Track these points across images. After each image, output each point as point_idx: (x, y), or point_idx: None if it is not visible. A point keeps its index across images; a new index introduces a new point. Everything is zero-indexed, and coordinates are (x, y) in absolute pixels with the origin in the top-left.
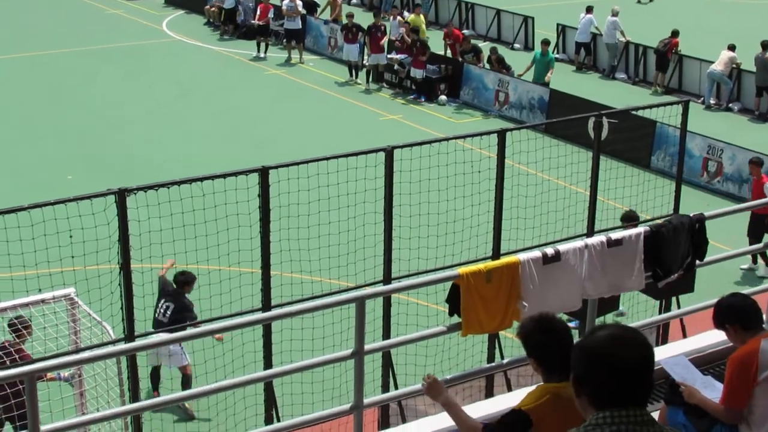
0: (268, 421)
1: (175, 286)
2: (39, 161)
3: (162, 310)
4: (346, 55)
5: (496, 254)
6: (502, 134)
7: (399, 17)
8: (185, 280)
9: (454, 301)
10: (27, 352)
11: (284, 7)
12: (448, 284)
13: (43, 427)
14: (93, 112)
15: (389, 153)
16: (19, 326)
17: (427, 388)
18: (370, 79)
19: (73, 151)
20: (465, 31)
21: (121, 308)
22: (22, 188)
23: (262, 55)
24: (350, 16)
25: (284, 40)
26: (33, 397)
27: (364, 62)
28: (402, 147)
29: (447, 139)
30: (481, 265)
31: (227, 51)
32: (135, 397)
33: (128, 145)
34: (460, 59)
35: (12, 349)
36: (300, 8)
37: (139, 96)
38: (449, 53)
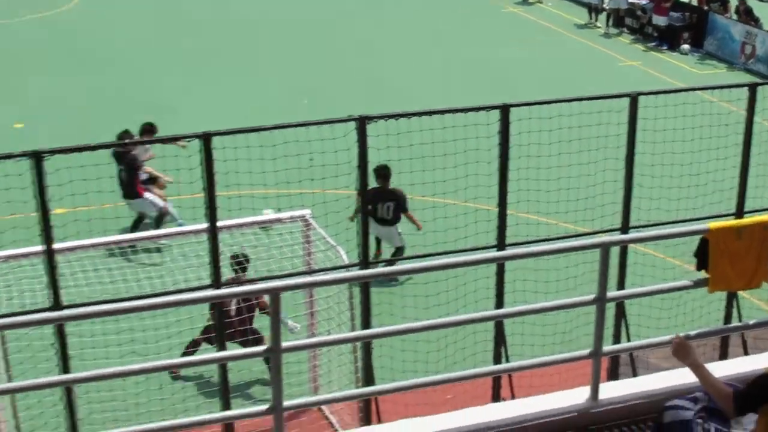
0: (497, 359)
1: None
2: (279, 84)
3: (385, 210)
4: None
5: (740, 212)
6: (753, 88)
7: None
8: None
9: (702, 256)
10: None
11: None
12: (688, 239)
13: (284, 343)
14: (343, 38)
15: (634, 99)
16: (244, 262)
17: (675, 348)
18: (610, 23)
19: (314, 75)
20: None
21: (357, 233)
22: (265, 110)
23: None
24: None
25: None
26: (277, 313)
27: (605, 5)
28: (647, 94)
29: (693, 89)
30: (732, 222)
31: None
32: (366, 323)
33: (372, 70)
34: (706, 8)
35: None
36: None
37: (389, 29)
38: (694, 1)
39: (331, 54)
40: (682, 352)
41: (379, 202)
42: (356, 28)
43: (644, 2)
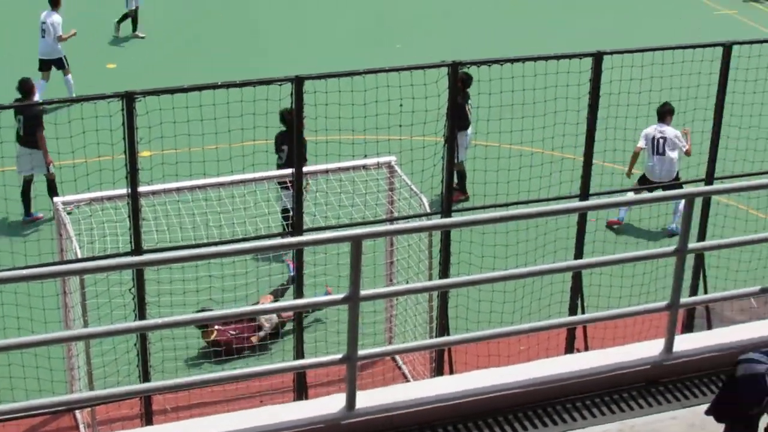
0: (572, 311)
1: None
2: (373, 27)
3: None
4: None
5: None
6: None
7: None
8: None
9: None
10: None
11: None
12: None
13: (362, 292)
14: None
15: (727, 49)
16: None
17: None
18: None
19: (409, 20)
20: None
21: (441, 182)
22: (356, 54)
23: None
24: None
25: None
26: (358, 261)
27: None
28: (741, 44)
29: None
30: None
31: None
32: (445, 273)
33: (462, 18)
34: None
35: None
36: None
37: None
38: None
39: None
40: None
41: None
42: None
43: None
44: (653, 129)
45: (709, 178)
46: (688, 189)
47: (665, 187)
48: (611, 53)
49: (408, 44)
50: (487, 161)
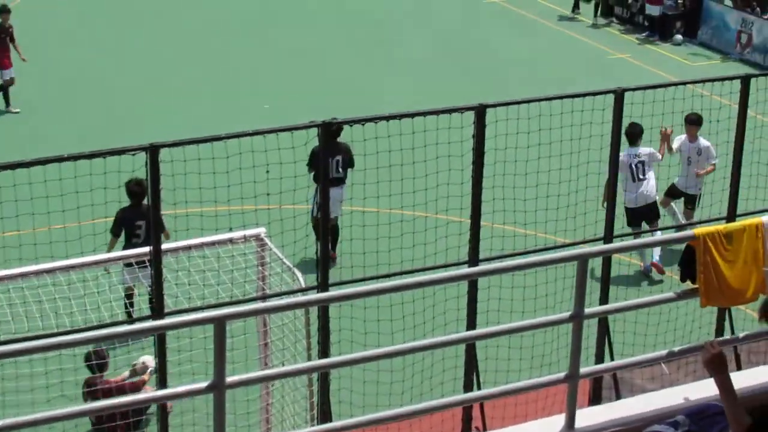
0: (468, 387)
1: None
2: (235, 87)
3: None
4: None
5: (732, 215)
6: (745, 80)
7: None
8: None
9: (688, 266)
10: (116, 382)
11: None
12: (679, 247)
13: (228, 378)
14: (291, 39)
15: (619, 96)
16: (95, 362)
17: (709, 359)
18: (599, 13)
19: (272, 79)
20: None
21: (316, 253)
22: (218, 114)
23: None
24: None
25: None
26: (221, 344)
27: None
28: (634, 90)
29: (683, 83)
30: (719, 226)
31: None
32: (325, 352)
33: (331, 74)
34: None
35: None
36: None
37: (339, 23)
38: None
39: (293, 53)
40: (715, 363)
41: None
42: (318, 25)
43: None
44: (626, 156)
45: (608, 237)
46: (581, 249)
47: (647, 212)
48: (494, 105)
49: (277, 104)
50: (366, 229)
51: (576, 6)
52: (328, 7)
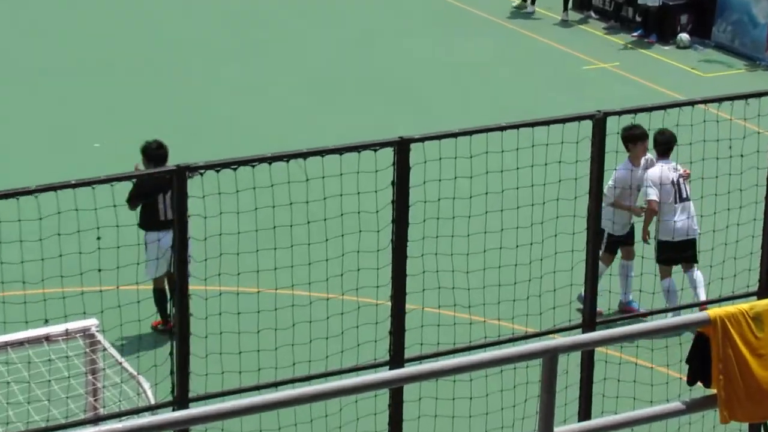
0: None
1: None
2: (60, 119)
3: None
4: None
5: (765, 289)
6: None
7: None
8: None
9: (699, 363)
10: None
11: None
12: (680, 336)
13: None
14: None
15: (599, 122)
16: None
17: None
18: (570, 5)
19: (107, 107)
20: None
21: (171, 355)
22: (33, 158)
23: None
24: None
25: None
26: None
27: None
28: (620, 114)
29: (692, 103)
30: (744, 305)
31: None
32: None
33: (194, 95)
34: None
35: None
36: None
37: (222, 27)
38: None
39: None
40: None
41: None
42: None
43: None
44: (664, 169)
45: (589, 323)
46: (549, 341)
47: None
48: (422, 139)
49: (108, 144)
50: (242, 317)
51: None
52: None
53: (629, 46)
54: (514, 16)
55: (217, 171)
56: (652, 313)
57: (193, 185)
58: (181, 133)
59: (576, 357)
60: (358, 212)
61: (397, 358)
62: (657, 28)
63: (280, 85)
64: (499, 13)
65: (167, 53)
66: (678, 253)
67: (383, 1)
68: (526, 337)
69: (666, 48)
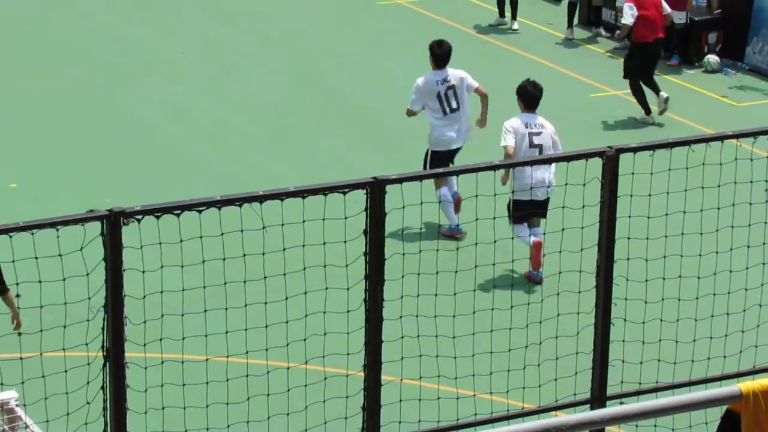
0: None
1: None
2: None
3: None
4: None
5: None
6: None
7: None
8: None
9: None
10: None
11: None
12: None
13: None
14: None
15: (610, 160)
16: None
17: None
18: (575, 21)
19: (24, 143)
20: None
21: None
22: None
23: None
24: None
25: None
26: None
27: None
28: (635, 150)
29: (720, 138)
30: None
31: None
32: None
33: (129, 131)
34: None
35: None
36: None
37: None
38: None
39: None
40: None
41: None
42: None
43: None
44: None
45: (600, 397)
46: (554, 419)
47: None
48: (399, 180)
49: (27, 182)
50: (187, 388)
51: (501, 8)
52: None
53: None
54: (502, 33)
55: (157, 217)
56: (674, 386)
57: (129, 233)
58: (113, 173)
59: None
60: (324, 266)
61: None
62: (680, 49)
63: (233, 116)
64: (489, 30)
65: (95, 81)
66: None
67: (356, 19)
68: (524, 414)
69: (691, 72)
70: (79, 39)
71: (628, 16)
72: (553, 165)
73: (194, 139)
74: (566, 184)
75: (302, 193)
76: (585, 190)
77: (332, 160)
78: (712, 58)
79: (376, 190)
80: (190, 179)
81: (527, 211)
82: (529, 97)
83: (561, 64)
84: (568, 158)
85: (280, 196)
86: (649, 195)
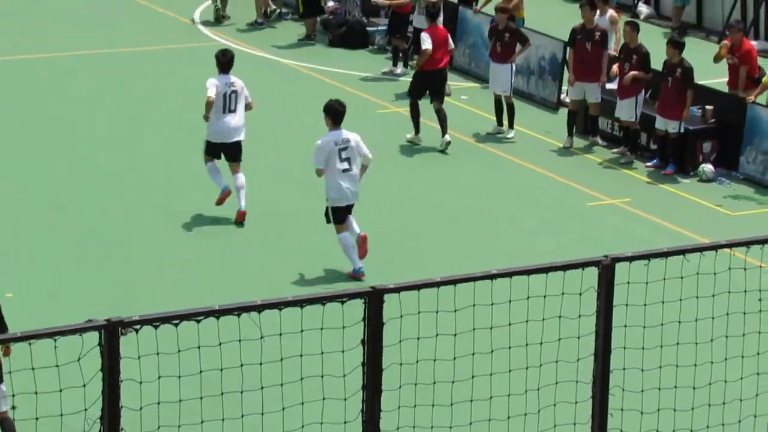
0: None
1: None
2: None
3: None
4: (493, 80)
5: None
6: None
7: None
8: None
9: None
10: None
11: None
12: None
13: None
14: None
15: (606, 269)
16: None
17: None
18: (574, 131)
19: (18, 250)
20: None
21: None
22: None
23: (397, 71)
24: None
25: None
26: None
27: (564, 97)
28: (631, 260)
29: (714, 248)
30: None
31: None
32: None
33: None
34: (742, 95)
35: None
36: None
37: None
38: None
39: None
40: None
41: None
42: None
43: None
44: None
45: None
46: None
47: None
48: (398, 290)
49: (24, 291)
50: None
51: (500, 118)
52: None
53: (643, 178)
54: (498, 141)
55: (156, 327)
56: None
57: (127, 343)
58: (110, 281)
59: None
60: (322, 376)
61: None
62: (676, 158)
63: (227, 216)
64: (487, 139)
65: (88, 187)
66: None
67: (356, 127)
68: None
69: (686, 181)
70: (87, 150)
71: (426, 43)
72: (358, 173)
73: (189, 245)
74: (563, 293)
75: (300, 303)
76: (581, 299)
77: (331, 266)
78: (707, 168)
79: (374, 299)
80: (190, 286)
81: (345, 213)
82: (336, 113)
83: (558, 172)
84: (564, 267)
85: (279, 305)
86: (645, 304)
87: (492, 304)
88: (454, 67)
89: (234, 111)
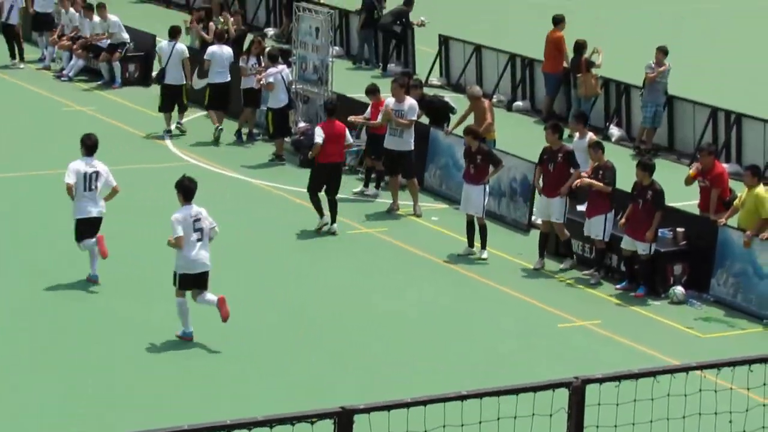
0: None
1: None
2: None
3: None
4: (466, 201)
5: None
6: None
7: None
8: None
9: None
10: None
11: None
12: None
13: None
14: None
15: (576, 390)
16: None
17: None
18: (545, 253)
19: None
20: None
21: None
22: None
23: (368, 191)
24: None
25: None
26: None
27: (534, 219)
28: (601, 381)
29: (684, 369)
30: None
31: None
32: None
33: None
34: (715, 221)
35: None
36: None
37: None
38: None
39: None
40: None
41: None
42: None
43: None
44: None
45: None
46: None
47: None
48: (368, 410)
49: None
50: None
51: (471, 240)
52: None
53: (613, 300)
54: (470, 262)
55: None
56: None
57: None
58: (83, 395)
59: None
60: None
61: None
62: (646, 280)
63: (205, 340)
64: (458, 260)
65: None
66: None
67: (310, 243)
68: None
69: (657, 303)
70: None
71: (318, 137)
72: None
73: (166, 377)
74: (533, 414)
75: (270, 423)
76: (552, 420)
77: (303, 385)
78: (678, 290)
79: (343, 419)
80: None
81: (190, 284)
82: (187, 190)
83: (529, 294)
84: (534, 389)
85: (248, 425)
86: (615, 426)
87: (462, 425)
88: (425, 188)
89: (93, 190)
